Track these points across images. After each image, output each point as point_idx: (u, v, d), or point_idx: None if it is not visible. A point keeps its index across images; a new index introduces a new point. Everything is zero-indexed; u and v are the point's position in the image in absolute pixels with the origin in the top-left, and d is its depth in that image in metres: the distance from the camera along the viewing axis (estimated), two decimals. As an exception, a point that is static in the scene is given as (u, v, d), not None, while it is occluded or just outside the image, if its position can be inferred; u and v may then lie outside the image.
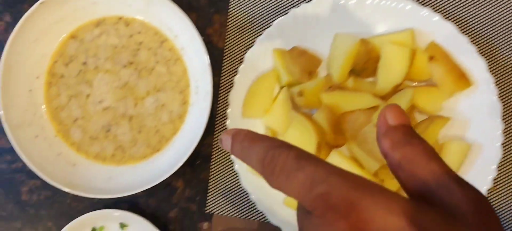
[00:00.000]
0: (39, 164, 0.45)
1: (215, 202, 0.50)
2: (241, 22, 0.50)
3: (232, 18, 0.50)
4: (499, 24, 0.49)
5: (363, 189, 0.19)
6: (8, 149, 0.50)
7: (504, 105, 0.48)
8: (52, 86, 0.48)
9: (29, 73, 0.47)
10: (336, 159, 0.45)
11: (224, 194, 0.50)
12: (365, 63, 0.46)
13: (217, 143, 0.50)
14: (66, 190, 0.45)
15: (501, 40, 0.49)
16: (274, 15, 0.50)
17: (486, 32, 0.49)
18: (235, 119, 0.47)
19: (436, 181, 0.20)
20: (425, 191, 0.20)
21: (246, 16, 0.49)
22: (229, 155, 0.49)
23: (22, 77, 0.47)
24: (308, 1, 0.46)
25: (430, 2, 0.49)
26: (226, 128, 0.50)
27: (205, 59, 0.44)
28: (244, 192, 0.50)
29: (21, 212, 0.51)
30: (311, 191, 0.19)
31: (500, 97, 0.44)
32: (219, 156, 0.50)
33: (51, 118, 0.48)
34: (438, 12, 0.48)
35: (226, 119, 0.50)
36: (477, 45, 0.48)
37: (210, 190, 0.50)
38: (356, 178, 0.20)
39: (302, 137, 0.45)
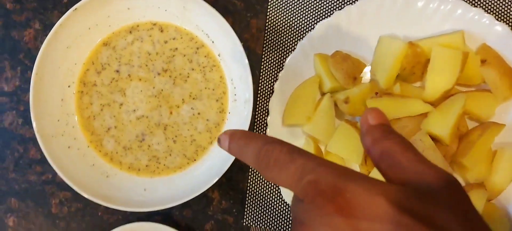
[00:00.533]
0: (72, 176, 0.43)
1: (253, 214, 0.48)
2: (280, 27, 0.48)
3: (271, 22, 0.48)
4: (552, 25, 0.46)
5: (348, 176, 0.21)
6: (38, 160, 0.49)
7: (560, 110, 0.45)
8: (84, 95, 0.47)
9: (60, 82, 0.46)
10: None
11: (262, 205, 0.48)
12: (412, 68, 0.44)
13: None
14: (100, 202, 0.43)
15: (554, 42, 0.46)
16: (315, 18, 0.47)
17: (538, 33, 0.46)
18: (275, 127, 0.45)
19: (412, 167, 0.22)
20: (403, 177, 0.22)
21: (285, 20, 0.47)
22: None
23: (54, 86, 0.45)
24: (352, 3, 0.44)
25: (480, 2, 0.46)
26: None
27: (245, 65, 0.42)
28: (284, 204, 0.48)
29: (51, 225, 0.49)
30: (301, 180, 0.22)
31: (559, 102, 0.42)
32: (256, 166, 0.48)
33: (83, 128, 0.46)
34: (489, 13, 0.46)
35: (264, 127, 0.48)
36: (529, 47, 0.45)
37: (248, 202, 0.48)
38: (342, 168, 0.22)
39: (347, 146, 0.43)
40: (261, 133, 0.48)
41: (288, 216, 0.47)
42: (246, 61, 0.42)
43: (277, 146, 0.23)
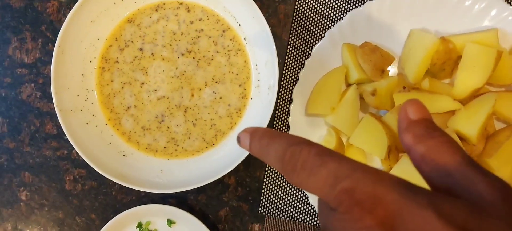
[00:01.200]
0: (88, 152, 0.43)
1: (269, 203, 0.47)
2: (308, 13, 0.47)
3: (299, 8, 0.47)
4: None
5: (388, 183, 0.19)
6: (54, 135, 0.48)
7: None
8: (105, 71, 0.46)
9: (82, 57, 0.45)
10: (407, 164, 0.41)
11: (278, 195, 0.47)
12: (443, 64, 0.42)
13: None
14: (116, 181, 0.42)
15: None
16: (345, 7, 0.47)
17: None
18: (297, 115, 0.44)
19: (461, 173, 0.19)
20: (450, 183, 0.20)
21: (315, 7, 0.47)
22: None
23: (75, 61, 0.44)
24: (384, -6, 0.43)
25: (513, 2, 0.45)
26: (287, 125, 0.47)
27: (273, 51, 0.41)
28: (301, 195, 0.47)
29: (64, 201, 0.48)
30: (335, 187, 0.19)
31: None
32: (275, 155, 0.47)
33: (103, 105, 0.46)
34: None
35: (285, 115, 0.47)
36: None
37: (264, 190, 0.47)
38: (381, 173, 0.19)
39: (370, 140, 0.42)
40: (285, 122, 0.47)
41: (305, 207, 0.46)
42: (274, 47, 0.41)
43: (305, 146, 0.21)
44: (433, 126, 0.22)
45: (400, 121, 0.22)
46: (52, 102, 0.46)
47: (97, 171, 0.42)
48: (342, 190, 0.19)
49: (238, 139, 0.25)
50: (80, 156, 0.43)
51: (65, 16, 0.48)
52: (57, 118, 0.42)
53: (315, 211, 0.46)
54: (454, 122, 0.41)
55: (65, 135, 0.42)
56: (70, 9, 0.48)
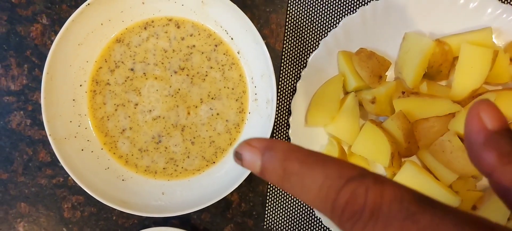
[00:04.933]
0: (86, 179, 0.42)
1: (274, 217, 0.46)
2: (301, 22, 0.46)
3: (291, 17, 0.46)
4: None
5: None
6: (48, 163, 0.47)
7: None
8: (97, 94, 0.44)
9: (72, 81, 0.43)
10: (411, 170, 0.41)
11: (283, 209, 0.46)
12: (440, 66, 0.42)
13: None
14: (117, 207, 0.41)
15: None
16: (337, 14, 0.46)
17: None
18: (297, 127, 0.44)
19: None
20: None
21: (307, 15, 0.46)
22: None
23: (65, 86, 0.43)
24: (378, -1, 0.43)
25: (505, -2, 0.45)
26: (287, 137, 0.46)
27: (268, 63, 0.40)
28: (306, 207, 0.46)
29: (64, 230, 0.47)
30: None
31: None
32: (277, 167, 0.46)
33: (97, 129, 0.44)
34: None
35: (284, 126, 0.46)
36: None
37: (269, 204, 0.46)
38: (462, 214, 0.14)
39: (373, 147, 0.42)
40: (285, 134, 0.46)
41: (310, 220, 0.46)
42: (270, 60, 0.40)
43: (373, 183, 0.15)
44: None
45: (471, 132, 0.17)
46: (43, 129, 0.45)
47: (97, 199, 0.41)
48: None
49: (236, 155, 0.18)
50: (77, 182, 0.41)
51: (50, 39, 0.47)
52: (50, 144, 0.41)
53: (322, 223, 0.46)
54: (455, 124, 0.41)
55: (59, 162, 0.41)
56: (55, 31, 0.46)
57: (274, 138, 0.46)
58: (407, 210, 0.14)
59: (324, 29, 0.46)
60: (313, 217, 0.46)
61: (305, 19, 0.46)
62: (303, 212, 0.46)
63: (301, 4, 0.46)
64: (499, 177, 0.16)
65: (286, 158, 0.16)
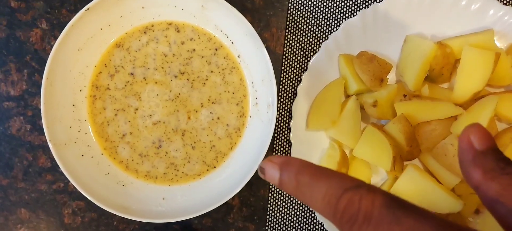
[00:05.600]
0: (86, 185, 0.41)
1: (275, 221, 0.46)
2: (301, 25, 0.45)
3: (292, 21, 0.46)
4: None
5: None
6: (49, 168, 0.47)
7: None
8: (97, 99, 0.44)
9: (71, 87, 0.43)
10: (413, 174, 0.41)
11: (285, 212, 0.46)
12: (441, 68, 0.42)
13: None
14: (118, 213, 0.41)
15: None
16: (338, 17, 0.46)
17: None
18: (298, 131, 0.43)
19: None
20: None
21: (307, 18, 0.45)
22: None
23: (65, 91, 0.43)
24: (379, 1, 0.42)
25: (510, 1, 0.45)
26: (288, 142, 0.46)
27: (269, 68, 0.40)
28: (307, 211, 0.46)
29: (64, 235, 0.47)
30: None
31: None
32: (278, 171, 0.46)
33: (97, 135, 0.44)
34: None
35: (285, 130, 0.46)
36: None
37: (270, 209, 0.46)
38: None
39: (375, 151, 0.42)
40: (286, 138, 0.46)
41: (311, 224, 0.46)
42: (270, 64, 0.40)
43: (366, 193, 0.17)
44: (505, 159, 0.19)
45: (462, 151, 0.20)
46: (43, 134, 0.44)
47: (98, 205, 0.41)
48: None
49: (261, 170, 0.22)
50: (77, 188, 0.41)
51: (50, 44, 0.47)
52: (50, 150, 0.40)
53: (323, 227, 0.46)
54: (457, 127, 0.41)
55: (60, 167, 0.41)
56: (54, 36, 0.46)
57: (274, 143, 0.46)
58: (393, 214, 0.17)
59: (324, 32, 0.45)
60: (314, 221, 0.46)
61: (305, 23, 0.45)
62: (304, 216, 0.46)
63: (302, 8, 0.45)
64: (485, 190, 0.19)
65: (299, 172, 0.20)
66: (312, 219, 0.46)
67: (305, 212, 0.46)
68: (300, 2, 0.46)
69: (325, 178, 0.19)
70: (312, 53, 0.46)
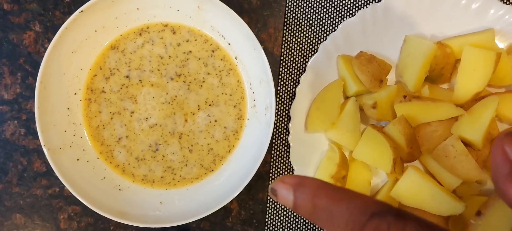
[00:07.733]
0: (82, 190, 0.41)
1: (274, 224, 0.46)
2: (299, 26, 0.45)
3: (290, 21, 0.45)
4: None
5: None
6: (44, 173, 0.46)
7: None
8: (92, 103, 0.43)
9: (66, 90, 0.42)
10: (413, 176, 0.40)
11: (284, 215, 0.45)
12: (441, 69, 0.41)
13: (274, 160, 0.45)
14: (115, 219, 0.40)
15: None
16: (337, 17, 0.45)
17: None
18: (297, 134, 0.43)
19: None
20: None
21: (305, 18, 0.45)
22: (289, 173, 0.45)
23: (59, 95, 0.42)
24: (378, 1, 0.42)
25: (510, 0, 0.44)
26: (287, 144, 0.45)
27: (266, 70, 0.39)
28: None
29: (60, 241, 0.46)
30: None
31: None
32: (277, 174, 0.45)
33: (92, 138, 0.43)
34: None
35: (283, 133, 0.46)
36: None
37: (269, 212, 0.46)
38: None
39: (375, 153, 0.41)
40: (284, 140, 0.46)
41: (310, 228, 0.45)
42: (268, 66, 0.39)
43: (394, 219, 0.15)
44: None
45: (497, 164, 0.18)
46: (38, 138, 0.44)
47: (94, 210, 0.40)
48: None
49: (272, 191, 0.20)
50: (73, 193, 0.40)
51: (43, 47, 0.46)
52: (45, 154, 0.40)
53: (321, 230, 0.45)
54: (458, 128, 0.40)
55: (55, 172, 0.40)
56: (48, 39, 0.46)
57: (272, 145, 0.45)
58: None
59: (323, 32, 0.45)
60: (313, 225, 0.45)
61: (303, 23, 0.45)
62: (303, 220, 0.45)
63: (300, 8, 0.45)
64: None
65: (316, 194, 0.18)
66: (311, 223, 0.45)
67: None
68: (297, 2, 0.45)
69: (346, 201, 0.17)
70: (310, 54, 0.45)
